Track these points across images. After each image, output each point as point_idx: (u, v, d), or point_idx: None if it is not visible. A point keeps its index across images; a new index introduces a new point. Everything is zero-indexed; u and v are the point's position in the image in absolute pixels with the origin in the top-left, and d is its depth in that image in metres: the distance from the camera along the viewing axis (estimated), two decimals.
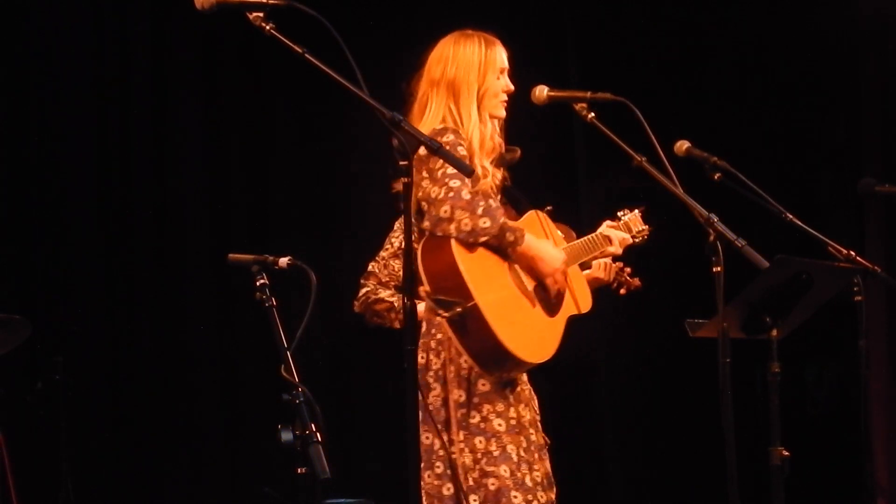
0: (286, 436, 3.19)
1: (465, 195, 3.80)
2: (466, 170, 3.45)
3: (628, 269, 4.44)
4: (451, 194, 3.79)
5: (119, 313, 6.39)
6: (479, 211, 3.81)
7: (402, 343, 3.17)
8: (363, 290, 4.32)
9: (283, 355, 3.34)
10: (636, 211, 4.49)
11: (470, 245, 3.83)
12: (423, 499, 3.87)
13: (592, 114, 4.01)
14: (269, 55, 6.07)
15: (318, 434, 3.15)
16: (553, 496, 4.04)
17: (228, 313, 6.53)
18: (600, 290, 4.40)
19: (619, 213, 4.46)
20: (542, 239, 4.05)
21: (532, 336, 3.92)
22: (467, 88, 4.03)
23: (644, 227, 4.48)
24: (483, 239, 3.83)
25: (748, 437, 3.97)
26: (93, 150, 6.42)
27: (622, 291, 4.46)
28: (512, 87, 4.11)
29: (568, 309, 4.08)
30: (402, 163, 3.16)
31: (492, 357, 3.83)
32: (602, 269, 4.35)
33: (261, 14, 3.18)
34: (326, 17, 3.16)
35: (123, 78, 6.49)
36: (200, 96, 6.65)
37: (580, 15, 7.01)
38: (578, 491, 6.27)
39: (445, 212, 3.80)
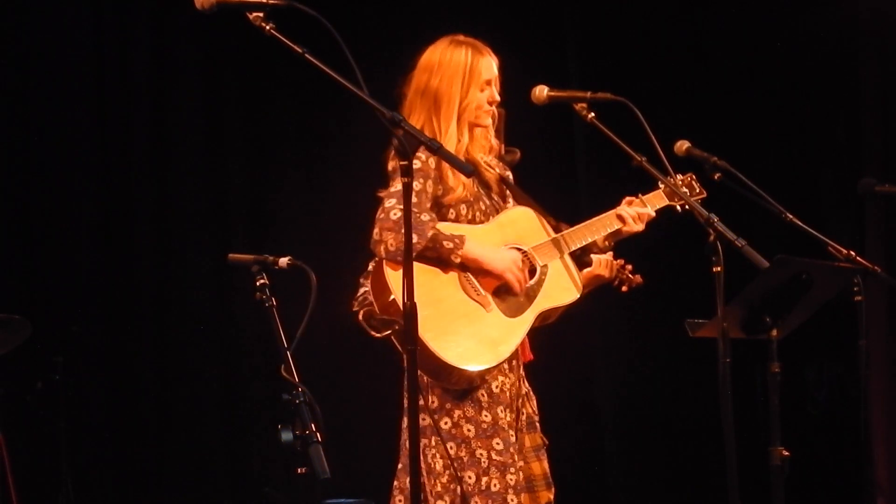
0: (286, 436, 3.19)
1: (394, 215, 3.79)
2: (466, 170, 3.44)
3: (629, 266, 4.40)
4: (382, 216, 3.82)
5: (119, 313, 6.39)
6: None
7: (403, 343, 3.18)
8: (362, 290, 4.30)
9: (283, 355, 3.34)
10: (689, 174, 4.29)
11: (401, 263, 3.81)
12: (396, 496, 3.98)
13: (592, 114, 4.01)
14: (269, 55, 6.06)
15: (318, 434, 3.15)
16: (552, 496, 4.05)
17: (228, 313, 6.53)
18: (601, 288, 4.38)
19: (660, 184, 4.19)
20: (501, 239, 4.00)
21: (478, 342, 3.88)
22: (448, 101, 4.01)
23: (698, 191, 4.27)
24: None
25: (748, 437, 3.97)
26: (93, 150, 6.41)
27: (624, 289, 4.42)
28: (497, 98, 4.08)
29: (543, 303, 4.03)
30: (402, 163, 3.16)
31: (435, 369, 3.84)
32: (603, 266, 4.31)
33: (261, 14, 3.18)
34: (326, 17, 3.16)
35: (123, 78, 6.49)
36: (200, 96, 6.64)
37: (580, 15, 7.01)
38: (578, 491, 6.26)
39: (376, 234, 3.83)
